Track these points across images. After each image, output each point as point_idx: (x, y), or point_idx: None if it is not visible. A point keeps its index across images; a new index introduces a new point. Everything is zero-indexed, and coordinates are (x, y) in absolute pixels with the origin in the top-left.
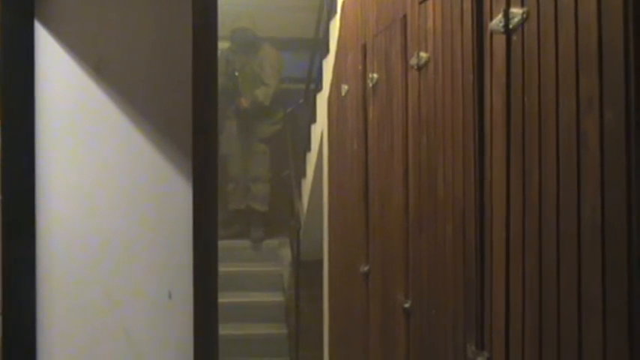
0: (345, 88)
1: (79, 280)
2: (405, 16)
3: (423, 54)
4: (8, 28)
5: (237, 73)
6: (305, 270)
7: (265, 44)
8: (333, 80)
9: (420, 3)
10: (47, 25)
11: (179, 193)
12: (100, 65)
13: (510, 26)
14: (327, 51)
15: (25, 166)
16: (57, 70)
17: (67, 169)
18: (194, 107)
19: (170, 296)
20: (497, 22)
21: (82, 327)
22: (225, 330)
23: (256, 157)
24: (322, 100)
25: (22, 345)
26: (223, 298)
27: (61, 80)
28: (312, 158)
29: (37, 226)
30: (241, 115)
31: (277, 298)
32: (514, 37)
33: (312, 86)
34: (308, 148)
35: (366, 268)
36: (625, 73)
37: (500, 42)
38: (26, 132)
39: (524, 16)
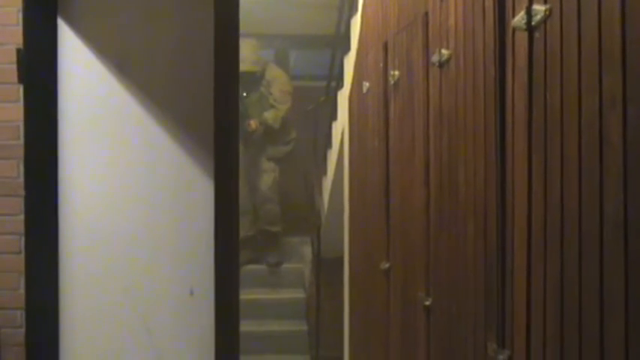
0: (366, 85)
1: (101, 278)
2: (426, 13)
3: (444, 51)
4: (31, 27)
5: (245, 94)
6: (326, 267)
7: (270, 65)
8: (354, 77)
9: (442, 0)
10: (70, 23)
11: (201, 191)
12: (123, 64)
13: (533, 23)
14: (348, 48)
15: (47, 164)
16: (80, 69)
17: (89, 168)
18: (216, 106)
19: (192, 293)
20: (519, 19)
21: (104, 324)
22: (245, 327)
23: (265, 176)
24: (343, 97)
25: (45, 341)
26: (244, 295)
27: (84, 79)
28: (333, 156)
29: (60, 225)
30: (250, 139)
31: (298, 295)
32: (536, 34)
33: (334, 84)
34: (329, 145)
35: (386, 266)
36: None
37: (522, 39)
38: (49, 130)
39: (547, 13)
